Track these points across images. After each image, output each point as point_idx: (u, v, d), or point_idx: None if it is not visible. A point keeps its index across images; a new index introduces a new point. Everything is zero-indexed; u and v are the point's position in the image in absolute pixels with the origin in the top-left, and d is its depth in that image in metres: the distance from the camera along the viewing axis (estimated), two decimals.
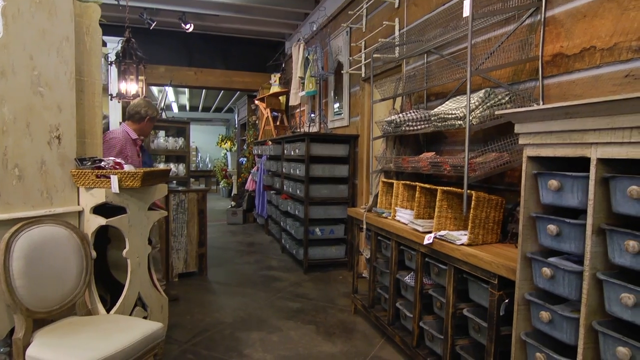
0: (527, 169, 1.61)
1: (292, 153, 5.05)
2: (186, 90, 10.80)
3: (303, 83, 5.48)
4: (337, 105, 5.36)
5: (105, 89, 5.29)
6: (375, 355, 2.76)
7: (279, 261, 5.22)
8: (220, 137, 13.71)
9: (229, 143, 12.72)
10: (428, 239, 2.28)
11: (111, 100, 4.72)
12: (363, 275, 3.52)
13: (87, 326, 1.74)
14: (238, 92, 10.15)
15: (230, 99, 12.13)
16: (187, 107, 14.32)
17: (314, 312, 3.49)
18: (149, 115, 3.19)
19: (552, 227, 1.50)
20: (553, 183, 1.49)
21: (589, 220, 1.35)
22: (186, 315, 3.42)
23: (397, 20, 3.72)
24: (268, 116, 7.26)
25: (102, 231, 2.23)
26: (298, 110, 6.82)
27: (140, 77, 5.17)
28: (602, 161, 1.33)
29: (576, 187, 1.42)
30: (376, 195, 3.23)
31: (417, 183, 2.61)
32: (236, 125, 11.47)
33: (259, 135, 7.90)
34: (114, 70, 5.05)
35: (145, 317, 2.12)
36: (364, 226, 3.16)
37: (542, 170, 1.59)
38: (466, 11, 2.04)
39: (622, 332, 1.28)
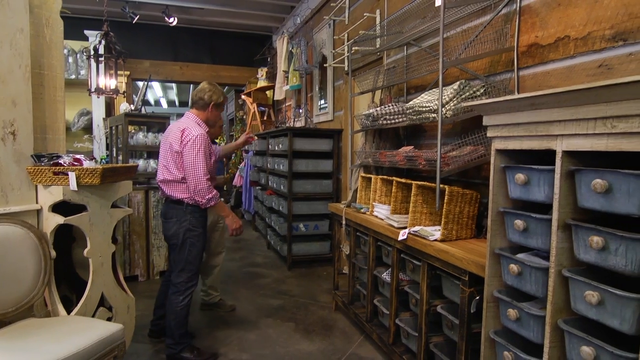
0: (496, 163, 1.56)
1: (276, 148, 4.98)
2: (174, 85, 10.67)
3: (287, 77, 5.40)
4: (322, 100, 5.30)
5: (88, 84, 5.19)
6: (353, 353, 2.72)
7: (264, 257, 5.17)
8: None
9: (219, 138, 12.61)
10: (402, 235, 2.23)
11: (89, 95, 4.63)
12: (344, 271, 3.47)
13: (43, 328, 1.67)
14: (226, 87, 10.04)
15: None
16: (177, 103, 14.18)
17: (294, 310, 3.44)
18: (214, 101, 2.56)
19: (519, 223, 1.45)
20: (520, 177, 1.44)
21: (555, 215, 1.30)
22: None
23: (378, 11, 3.66)
24: (255, 111, 7.18)
25: (66, 230, 2.16)
26: (284, 105, 6.74)
27: (120, 72, 5.09)
28: (568, 154, 1.28)
29: (543, 180, 1.37)
30: (355, 191, 3.18)
31: (393, 178, 2.55)
32: (225, 121, 11.37)
33: (246, 131, 7.81)
34: (101, 65, 4.94)
35: (109, 318, 2.05)
36: (344, 222, 3.11)
37: (512, 163, 1.54)
38: (438, 1, 1.98)
39: (588, 330, 1.24)
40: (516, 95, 1.40)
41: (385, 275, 2.56)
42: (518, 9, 2.12)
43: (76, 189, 1.86)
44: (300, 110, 5.63)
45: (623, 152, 1.11)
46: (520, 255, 1.50)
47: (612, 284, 1.15)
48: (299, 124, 5.59)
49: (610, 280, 1.20)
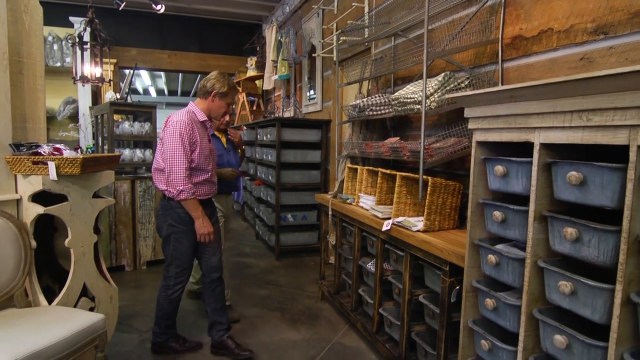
0: (476, 154, 1.57)
1: (265, 138, 4.96)
2: (162, 74, 10.54)
3: (276, 67, 5.36)
4: (311, 90, 5.27)
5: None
6: (338, 342, 2.75)
7: (252, 248, 5.17)
8: None
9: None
10: (386, 226, 2.24)
11: (74, 83, 4.55)
12: (330, 261, 3.49)
13: (23, 319, 1.66)
14: None
15: None
16: (166, 91, 14.02)
17: (281, 299, 3.46)
18: (215, 90, 2.34)
19: (497, 214, 1.47)
20: (499, 169, 1.45)
21: (531, 207, 1.32)
22: (151, 304, 3.35)
23: (366, 1, 3.63)
24: (244, 101, 7.13)
25: (47, 220, 2.14)
26: (274, 95, 6.70)
27: (106, 60, 5.01)
28: (545, 146, 1.30)
29: (521, 172, 1.38)
30: (342, 181, 3.18)
31: (379, 169, 2.56)
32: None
33: (235, 120, 7.76)
34: (86, 53, 4.86)
35: (92, 308, 2.05)
36: (330, 212, 3.12)
37: (493, 155, 1.55)
38: None
39: (561, 320, 1.26)
40: (496, 88, 1.41)
41: (370, 265, 2.58)
42: (503, 1, 2.12)
43: (56, 178, 1.84)
44: (290, 101, 5.60)
45: (599, 145, 1.13)
46: (499, 246, 1.52)
47: (586, 274, 1.18)
48: (288, 114, 5.57)
49: (584, 271, 1.22)
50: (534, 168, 1.31)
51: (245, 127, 6.31)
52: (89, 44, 4.56)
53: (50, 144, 1.95)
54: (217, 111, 2.44)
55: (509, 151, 1.51)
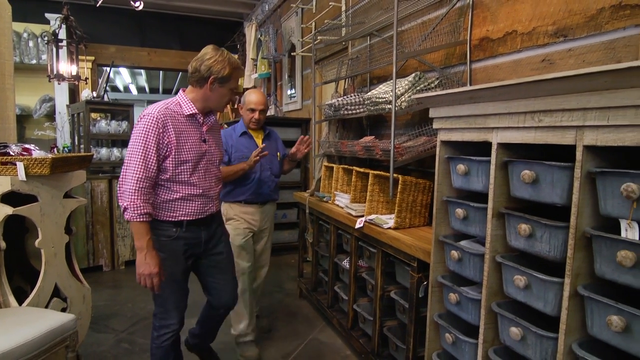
0: (440, 153, 1.62)
1: None
2: (142, 71, 10.41)
3: (256, 65, 5.36)
4: (292, 89, 5.28)
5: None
6: (314, 338, 2.78)
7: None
8: None
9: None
10: (359, 223, 2.28)
11: (49, 81, 4.48)
12: (309, 259, 3.52)
13: None
14: None
15: None
16: (147, 89, 13.84)
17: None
18: (214, 75, 1.75)
19: (459, 211, 1.52)
20: (461, 167, 1.50)
21: (490, 204, 1.37)
22: (128, 304, 3.34)
23: (343, 1, 3.66)
24: None
25: (18, 220, 2.12)
26: None
27: (82, 57, 4.94)
28: (503, 145, 1.34)
29: (481, 171, 1.43)
30: (319, 180, 3.21)
31: (354, 167, 2.60)
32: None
33: (218, 117, 7.72)
34: (62, 50, 4.78)
35: (64, 309, 2.04)
36: (307, 210, 3.15)
37: (457, 154, 1.60)
38: None
39: (518, 313, 1.32)
40: (457, 89, 1.45)
41: (345, 263, 2.62)
42: (471, 2, 2.17)
43: (25, 179, 1.83)
44: (270, 99, 5.61)
45: (556, 144, 1.17)
46: (462, 243, 1.57)
47: (542, 269, 1.23)
48: (269, 112, 5.57)
49: (541, 265, 1.27)
50: (492, 167, 1.35)
51: (226, 125, 6.28)
52: (64, 41, 4.49)
53: (20, 144, 1.93)
54: (219, 102, 1.85)
55: (474, 150, 1.56)
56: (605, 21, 1.56)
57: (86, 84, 5.45)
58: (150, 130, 1.68)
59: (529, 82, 1.16)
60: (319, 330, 2.88)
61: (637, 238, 0.98)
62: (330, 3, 3.74)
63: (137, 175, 1.65)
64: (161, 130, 1.70)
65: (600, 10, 1.58)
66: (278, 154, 2.69)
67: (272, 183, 2.63)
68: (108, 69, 4.45)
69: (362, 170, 2.51)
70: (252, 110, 2.53)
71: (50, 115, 5.94)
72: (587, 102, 1.04)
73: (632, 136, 0.97)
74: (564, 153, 1.20)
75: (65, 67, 4.48)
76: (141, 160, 1.66)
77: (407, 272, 1.96)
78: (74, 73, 4.50)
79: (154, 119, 1.69)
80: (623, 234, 1.00)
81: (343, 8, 3.65)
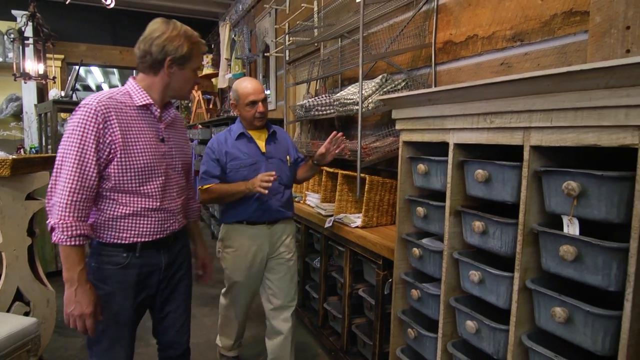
0: (403, 154, 1.66)
1: None
2: (115, 70, 10.21)
3: (230, 65, 5.34)
4: (267, 90, 5.28)
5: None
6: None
7: (208, 247, 5.12)
8: None
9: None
10: (329, 222, 2.31)
11: (15, 80, 4.36)
12: None
13: None
14: None
15: None
16: None
17: None
18: (171, 56, 1.39)
19: (420, 210, 1.56)
20: (421, 167, 1.54)
21: (447, 203, 1.42)
22: None
23: (315, 3, 3.69)
24: (199, 99, 7.04)
25: None
26: (230, 93, 6.66)
27: (51, 55, 4.83)
28: (459, 146, 1.39)
29: (439, 171, 1.48)
30: None
31: (324, 167, 2.63)
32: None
33: (191, 119, 7.66)
34: (29, 48, 4.66)
35: (27, 313, 2.00)
36: None
37: (419, 154, 1.64)
38: None
39: (474, 307, 1.37)
40: (417, 91, 1.49)
41: (316, 262, 2.65)
42: (436, 7, 2.23)
43: None
44: None
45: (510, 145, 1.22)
46: (424, 240, 1.61)
47: (496, 265, 1.28)
48: None
49: (495, 261, 1.32)
50: (449, 166, 1.40)
51: (200, 126, 6.24)
52: (30, 39, 4.39)
53: None
54: (181, 87, 1.49)
55: (435, 150, 1.61)
56: (557, 27, 1.63)
57: (54, 82, 5.33)
58: (88, 127, 1.30)
59: (480, 85, 1.21)
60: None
61: (577, 233, 1.03)
62: (302, 4, 3.76)
63: (70, 186, 1.28)
64: (101, 126, 1.32)
65: (553, 16, 1.65)
66: (288, 157, 2.14)
67: (283, 195, 2.07)
68: (77, 67, 4.36)
69: (331, 170, 2.55)
70: (253, 104, 2.00)
71: (17, 115, 5.79)
72: (532, 104, 1.09)
73: (572, 137, 1.02)
74: (518, 153, 1.26)
75: (32, 65, 4.38)
76: (75, 166, 1.29)
77: (374, 270, 2.00)
78: (41, 72, 4.41)
79: (92, 111, 1.31)
80: (565, 230, 1.06)
81: (315, 9, 3.68)
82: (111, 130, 1.34)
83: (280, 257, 2.10)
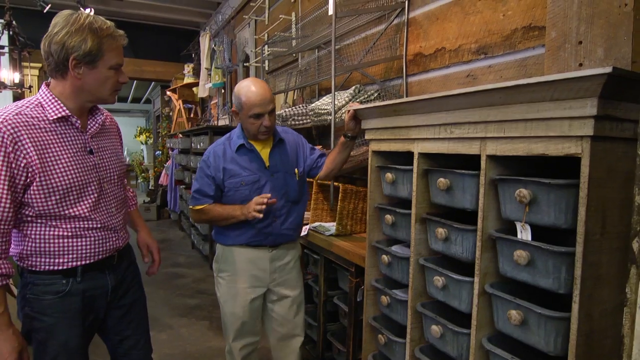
0: (372, 163, 1.70)
1: (199, 146, 4.93)
2: None
3: (210, 75, 5.36)
4: None
5: None
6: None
7: (187, 257, 5.10)
8: (139, 129, 13.06)
9: (143, 135, 12.16)
10: (304, 231, 2.33)
11: None
12: None
13: None
14: (153, 83, 9.69)
15: (146, 90, 11.55)
16: None
17: (210, 308, 3.45)
18: (73, 54, 1.19)
19: (388, 217, 1.60)
20: (389, 176, 1.58)
21: (413, 210, 1.46)
22: None
23: (293, 14, 3.74)
24: (180, 108, 7.02)
25: None
26: (210, 102, 6.66)
27: (27, 64, 4.78)
28: (423, 155, 1.44)
29: (406, 179, 1.52)
30: None
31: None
32: (151, 118, 11.00)
33: (171, 128, 7.62)
34: (4, 57, 4.61)
35: None
36: None
37: (388, 164, 1.68)
38: (330, 9, 2.10)
39: (440, 312, 1.40)
40: (383, 102, 1.54)
41: None
42: (406, 20, 2.30)
43: None
44: (225, 108, 5.61)
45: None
46: (393, 247, 1.65)
47: (459, 270, 1.32)
48: (224, 122, 5.57)
49: (459, 267, 1.36)
50: (414, 175, 1.44)
51: (180, 135, 6.22)
52: (6, 47, 4.34)
53: None
54: (98, 89, 1.28)
55: (402, 160, 1.65)
56: (518, 41, 1.70)
57: (30, 92, 5.26)
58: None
59: (440, 97, 1.26)
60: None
61: (529, 239, 1.08)
62: (280, 16, 3.82)
63: None
64: (10, 150, 1.14)
65: (514, 30, 1.72)
66: (296, 170, 1.88)
67: (289, 215, 1.84)
68: None
69: (308, 179, 2.57)
70: (258, 117, 1.71)
71: None
72: (487, 115, 1.15)
73: (523, 147, 1.08)
74: (479, 161, 1.31)
75: (8, 74, 4.33)
76: None
77: (347, 277, 2.03)
78: (17, 81, 4.36)
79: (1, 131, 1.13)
80: (519, 236, 1.10)
81: (293, 20, 3.74)
82: (24, 153, 1.16)
83: (284, 287, 1.88)
